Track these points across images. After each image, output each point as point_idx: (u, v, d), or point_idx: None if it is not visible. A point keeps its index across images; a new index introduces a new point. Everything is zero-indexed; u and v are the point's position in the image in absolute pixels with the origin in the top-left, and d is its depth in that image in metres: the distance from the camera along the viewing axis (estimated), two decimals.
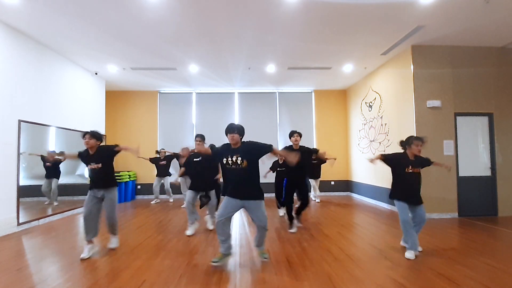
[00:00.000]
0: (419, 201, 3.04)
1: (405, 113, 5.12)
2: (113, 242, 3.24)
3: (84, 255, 2.93)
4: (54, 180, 5.04)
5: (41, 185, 4.82)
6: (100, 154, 3.09)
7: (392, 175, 3.14)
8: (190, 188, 3.93)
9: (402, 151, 3.15)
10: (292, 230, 3.94)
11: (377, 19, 3.99)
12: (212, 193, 4.00)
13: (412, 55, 4.89)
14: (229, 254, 2.81)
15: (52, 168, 4.94)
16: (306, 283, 2.33)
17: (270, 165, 5.26)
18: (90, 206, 3.05)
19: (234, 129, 2.64)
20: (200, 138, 3.86)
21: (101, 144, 3.16)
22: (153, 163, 6.74)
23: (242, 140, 2.72)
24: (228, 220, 2.71)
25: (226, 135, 2.68)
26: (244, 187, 2.65)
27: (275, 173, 5.13)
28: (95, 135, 3.05)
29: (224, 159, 2.64)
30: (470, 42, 4.81)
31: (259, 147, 2.67)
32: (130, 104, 7.92)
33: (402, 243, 3.23)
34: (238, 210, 2.71)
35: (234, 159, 2.60)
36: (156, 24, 4.09)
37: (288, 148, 3.80)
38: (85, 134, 3.04)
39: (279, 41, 4.72)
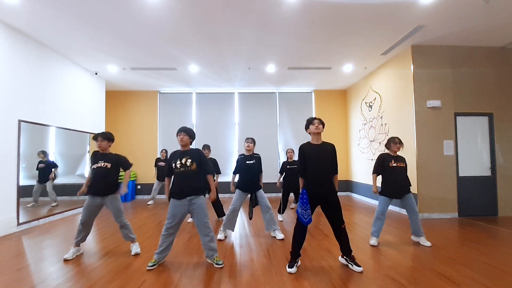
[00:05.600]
0: (406, 190, 3.34)
1: (405, 113, 5.12)
2: (134, 248, 3.09)
3: (68, 256, 2.92)
4: (48, 183, 4.87)
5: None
6: (112, 157, 3.06)
7: (382, 175, 3.45)
8: (239, 188, 3.66)
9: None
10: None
11: (377, 19, 3.99)
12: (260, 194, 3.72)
13: (412, 55, 4.89)
14: (162, 258, 2.79)
15: (45, 172, 4.80)
16: (306, 283, 2.33)
17: (279, 169, 5.05)
18: (88, 213, 2.97)
19: (182, 130, 2.76)
20: (251, 140, 3.72)
21: (112, 143, 3.15)
22: (155, 166, 6.74)
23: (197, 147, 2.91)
24: (177, 226, 2.74)
25: (177, 136, 2.79)
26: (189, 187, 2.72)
27: (283, 174, 4.90)
28: (107, 137, 3.06)
29: (173, 164, 2.72)
30: (470, 42, 4.81)
31: (206, 162, 2.82)
32: (130, 104, 7.93)
33: (412, 237, 3.46)
34: (186, 215, 2.75)
35: (183, 161, 2.69)
36: (156, 24, 4.09)
37: (300, 151, 2.68)
38: (97, 136, 3.03)
39: (279, 41, 4.72)
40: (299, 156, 2.69)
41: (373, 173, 3.48)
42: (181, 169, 2.68)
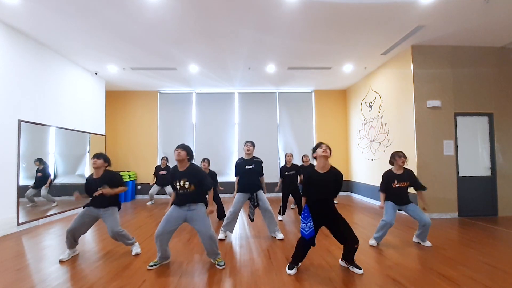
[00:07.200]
0: (408, 202, 3.34)
1: (405, 113, 5.12)
2: (134, 249, 3.09)
3: (64, 257, 2.91)
4: (43, 189, 4.77)
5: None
6: (106, 179, 2.98)
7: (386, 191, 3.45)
8: (240, 191, 3.67)
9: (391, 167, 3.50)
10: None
11: (377, 19, 3.99)
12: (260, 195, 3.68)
13: (412, 55, 4.89)
14: (166, 260, 2.81)
15: (41, 180, 4.73)
16: (306, 283, 2.33)
17: (279, 169, 4.97)
18: (80, 223, 2.92)
19: (180, 146, 2.70)
20: (251, 144, 3.69)
21: (108, 167, 3.08)
22: (155, 174, 6.66)
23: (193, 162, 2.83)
24: (170, 233, 2.69)
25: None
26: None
27: (282, 179, 4.86)
28: (104, 157, 3.02)
29: (174, 183, 2.68)
30: (470, 42, 4.81)
31: (204, 180, 2.73)
32: (130, 104, 7.92)
33: (414, 239, 3.45)
34: (181, 222, 2.70)
35: (181, 183, 2.64)
36: (156, 24, 4.09)
37: (312, 175, 2.62)
38: (94, 156, 2.99)
39: (279, 41, 4.71)
40: (305, 180, 2.66)
41: (380, 190, 3.44)
42: (180, 191, 2.67)
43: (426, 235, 3.30)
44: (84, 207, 2.99)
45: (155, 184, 6.59)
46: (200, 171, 2.73)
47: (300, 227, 2.58)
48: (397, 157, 3.33)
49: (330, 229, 2.60)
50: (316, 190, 2.57)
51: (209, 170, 4.63)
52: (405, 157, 3.34)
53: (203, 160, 4.63)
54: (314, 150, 2.69)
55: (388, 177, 3.37)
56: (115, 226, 2.93)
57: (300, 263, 2.68)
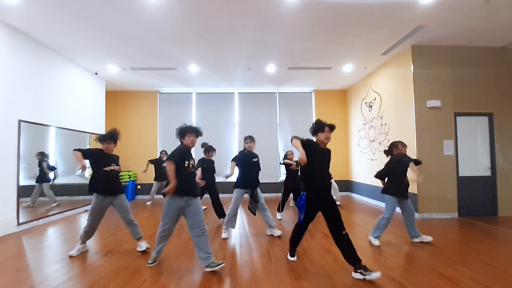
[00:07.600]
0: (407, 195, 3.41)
1: (405, 113, 5.12)
2: (142, 246, 3.17)
3: (73, 252, 3.01)
4: (45, 184, 4.82)
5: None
6: (117, 159, 3.23)
7: (393, 175, 3.40)
8: (240, 187, 3.68)
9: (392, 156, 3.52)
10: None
11: (377, 19, 3.99)
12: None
13: (412, 55, 4.89)
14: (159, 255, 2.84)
15: (41, 170, 4.75)
16: (306, 283, 2.33)
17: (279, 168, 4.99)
18: (98, 215, 3.07)
19: (194, 132, 2.72)
20: (251, 140, 3.73)
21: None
22: (153, 163, 6.67)
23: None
24: (174, 225, 2.74)
25: (184, 136, 2.70)
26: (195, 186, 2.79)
27: (285, 174, 4.87)
28: (115, 140, 3.16)
29: (186, 162, 2.67)
30: (470, 42, 4.81)
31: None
32: (130, 104, 7.93)
33: (415, 240, 3.43)
34: (180, 215, 2.71)
35: (192, 163, 2.74)
36: (156, 24, 4.09)
37: (311, 146, 2.54)
38: (106, 139, 3.08)
39: (279, 41, 4.72)
40: (308, 145, 2.51)
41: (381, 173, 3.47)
42: (192, 169, 2.72)
43: (415, 225, 3.36)
44: (96, 193, 3.07)
45: (155, 182, 6.58)
46: None
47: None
48: (400, 145, 3.36)
49: (325, 215, 2.56)
50: (319, 167, 2.58)
51: (210, 159, 4.78)
52: (406, 145, 3.46)
53: (210, 149, 4.66)
54: (315, 131, 2.60)
55: (406, 161, 3.26)
56: (126, 214, 3.13)
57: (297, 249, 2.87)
